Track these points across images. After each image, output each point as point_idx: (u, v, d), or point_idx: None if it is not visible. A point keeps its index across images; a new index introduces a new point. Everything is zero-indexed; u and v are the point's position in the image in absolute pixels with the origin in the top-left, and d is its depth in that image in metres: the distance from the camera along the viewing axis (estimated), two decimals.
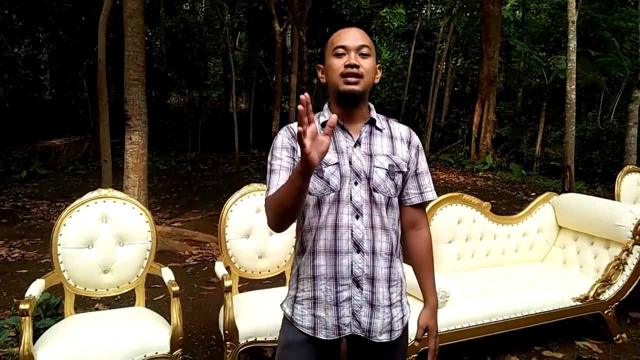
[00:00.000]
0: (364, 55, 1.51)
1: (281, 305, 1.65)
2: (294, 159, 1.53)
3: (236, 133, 10.48)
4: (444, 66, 14.26)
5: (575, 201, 3.72)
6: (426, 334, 1.65)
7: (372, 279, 1.51)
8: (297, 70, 9.50)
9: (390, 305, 1.55)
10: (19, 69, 12.30)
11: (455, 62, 15.31)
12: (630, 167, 4.34)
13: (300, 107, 1.20)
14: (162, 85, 14.45)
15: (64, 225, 2.54)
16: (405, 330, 1.62)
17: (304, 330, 1.54)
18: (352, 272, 1.49)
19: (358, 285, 1.50)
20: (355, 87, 1.49)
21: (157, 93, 15.04)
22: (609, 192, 8.10)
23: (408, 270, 1.68)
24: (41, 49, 13.60)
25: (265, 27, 13.07)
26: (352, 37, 1.52)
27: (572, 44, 6.26)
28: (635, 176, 4.23)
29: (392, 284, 1.56)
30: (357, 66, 1.48)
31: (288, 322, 1.60)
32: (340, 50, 1.51)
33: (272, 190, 1.47)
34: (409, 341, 1.83)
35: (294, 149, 1.53)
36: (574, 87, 6.22)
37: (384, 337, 1.53)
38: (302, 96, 1.22)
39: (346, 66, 1.49)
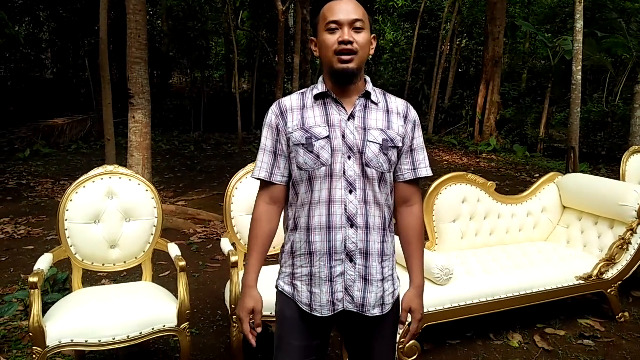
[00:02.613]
0: (357, 30, 1.46)
1: (277, 283, 1.64)
2: (278, 140, 1.55)
3: (239, 113, 10.44)
4: (449, 47, 14.10)
5: (580, 181, 3.72)
6: (410, 316, 1.62)
7: (365, 254, 1.51)
8: (300, 50, 9.41)
9: (382, 280, 1.55)
10: (20, 48, 12.22)
11: (459, 43, 15.14)
12: (636, 147, 4.33)
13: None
14: (164, 64, 14.37)
15: (71, 200, 2.55)
16: (396, 304, 1.62)
17: (302, 307, 1.55)
18: (345, 247, 1.49)
19: (351, 260, 1.50)
20: (350, 65, 1.46)
21: (159, 73, 14.96)
22: (613, 174, 8.08)
23: (398, 243, 1.68)
24: (42, 27, 13.49)
25: (268, 6, 12.91)
26: (344, 9, 1.46)
27: (579, 25, 6.18)
28: None
29: (384, 258, 1.55)
30: (351, 42, 1.44)
31: (287, 298, 1.59)
32: (333, 26, 1.46)
33: (257, 172, 1.58)
34: None
35: (278, 129, 1.55)
36: (580, 68, 6.15)
37: (376, 311, 1.54)
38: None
39: (340, 43, 1.45)
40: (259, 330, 1.56)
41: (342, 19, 1.45)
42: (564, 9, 12.79)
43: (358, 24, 1.46)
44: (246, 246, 2.87)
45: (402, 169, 1.59)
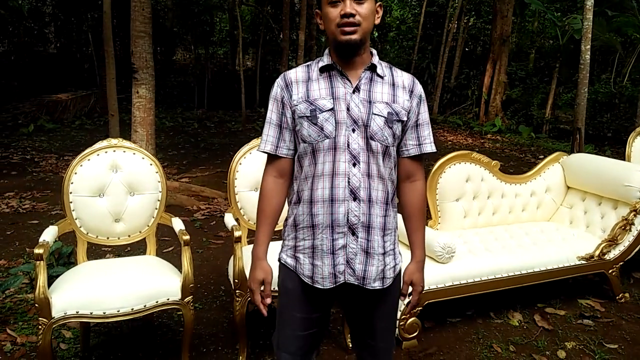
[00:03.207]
0: (360, 1, 1.44)
1: (279, 255, 1.66)
2: (283, 113, 1.56)
3: (242, 91, 10.38)
4: (456, 25, 13.90)
5: (584, 161, 3.70)
6: (411, 288, 1.65)
7: (367, 227, 1.51)
8: (305, 26, 9.30)
9: (384, 254, 1.56)
10: (23, 21, 12.11)
11: (467, 21, 14.92)
12: None
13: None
14: (168, 40, 14.24)
15: (75, 173, 2.55)
16: (397, 278, 1.63)
17: (304, 279, 1.56)
18: (348, 220, 1.49)
19: (353, 233, 1.50)
20: (353, 37, 1.44)
21: (162, 49, 14.84)
22: (618, 157, 8.01)
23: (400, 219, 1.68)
24: (45, 1, 13.36)
25: None
26: None
27: (589, 3, 6.08)
28: None
29: (386, 232, 1.56)
30: (353, 15, 1.43)
31: (289, 270, 1.61)
32: None
33: (262, 146, 1.60)
34: None
35: (283, 101, 1.55)
36: (589, 47, 6.08)
37: (377, 284, 1.55)
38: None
39: (342, 16, 1.43)
40: (269, 300, 1.60)
41: None
42: None
43: None
44: (249, 221, 2.89)
45: (407, 144, 1.59)
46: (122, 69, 9.13)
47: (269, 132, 1.58)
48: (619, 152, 8.90)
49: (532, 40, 13.85)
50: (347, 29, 1.44)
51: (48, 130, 9.10)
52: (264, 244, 1.62)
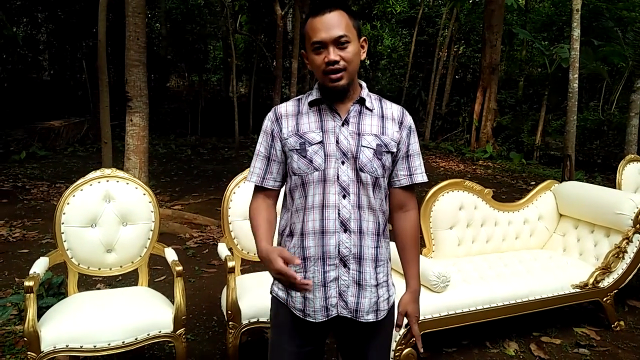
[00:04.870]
0: (343, 45, 1.45)
1: (271, 288, 1.65)
2: (272, 146, 1.58)
3: (236, 117, 10.43)
4: (446, 53, 14.15)
5: (576, 189, 3.73)
6: (406, 319, 1.63)
7: (359, 259, 1.51)
8: (298, 54, 9.42)
9: (377, 285, 1.55)
10: (17, 49, 12.18)
11: (457, 49, 15.21)
12: (632, 156, 4.34)
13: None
14: (162, 68, 14.35)
15: (67, 204, 2.54)
16: (391, 311, 1.62)
17: (296, 312, 1.55)
18: (339, 251, 1.50)
19: (345, 265, 1.50)
20: (340, 83, 1.47)
21: (156, 76, 14.93)
22: (609, 183, 8.11)
23: (397, 253, 1.68)
24: (40, 28, 13.46)
25: (267, 10, 12.93)
26: (326, 26, 1.44)
27: (576, 33, 6.21)
28: (636, 165, 4.23)
29: (378, 264, 1.56)
30: (337, 61, 1.44)
31: (281, 303, 1.60)
32: (318, 46, 1.46)
33: (249, 177, 1.62)
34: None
35: (273, 134, 1.58)
36: (576, 76, 6.18)
37: (370, 317, 1.54)
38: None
39: (327, 63, 1.45)
40: (298, 261, 1.39)
41: (325, 38, 1.44)
42: (561, 17, 12.86)
43: (343, 39, 1.45)
44: (243, 251, 2.88)
45: (398, 174, 1.60)
46: (116, 95, 9.15)
47: (257, 164, 1.61)
48: (609, 178, 8.99)
49: (520, 69, 14.10)
50: (333, 76, 1.46)
51: (40, 157, 9.06)
52: (265, 240, 1.52)
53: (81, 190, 2.58)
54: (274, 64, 11.56)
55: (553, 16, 13.53)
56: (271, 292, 1.65)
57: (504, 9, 12.13)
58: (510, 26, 13.33)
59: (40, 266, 2.33)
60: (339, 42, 1.44)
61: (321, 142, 1.50)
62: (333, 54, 1.44)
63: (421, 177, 1.62)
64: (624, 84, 10.21)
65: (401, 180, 1.60)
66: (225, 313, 2.52)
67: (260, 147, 1.61)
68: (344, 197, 1.49)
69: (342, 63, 1.45)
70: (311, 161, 1.50)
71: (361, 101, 1.55)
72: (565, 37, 11.24)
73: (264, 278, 2.80)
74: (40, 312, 2.34)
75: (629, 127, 7.49)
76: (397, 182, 1.61)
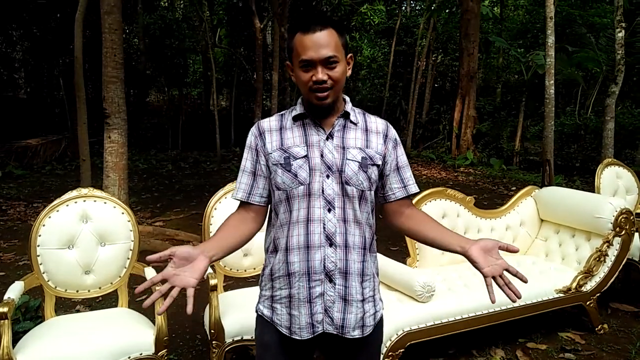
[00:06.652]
0: (331, 65, 1.44)
1: (257, 307, 1.62)
2: (257, 161, 1.56)
3: (217, 131, 10.39)
4: (424, 63, 14.32)
5: (556, 194, 3.77)
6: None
7: (345, 273, 1.49)
8: (278, 67, 9.44)
9: (362, 300, 1.53)
10: None
11: (435, 58, 15.40)
12: (610, 159, 4.41)
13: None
14: (141, 83, 14.23)
15: (43, 225, 2.48)
16: (378, 326, 1.59)
17: (282, 330, 1.52)
18: (324, 266, 1.47)
19: (331, 280, 1.48)
20: (326, 101, 1.46)
21: (135, 91, 14.80)
22: (587, 186, 8.24)
23: (382, 264, 1.65)
24: (15, 46, 13.27)
25: (245, 23, 12.96)
26: (316, 45, 1.41)
27: (550, 40, 6.33)
28: (614, 169, 4.30)
29: (365, 278, 1.54)
30: (325, 81, 1.44)
31: (266, 322, 1.57)
32: (306, 64, 1.44)
33: (235, 193, 1.58)
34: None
35: (257, 149, 1.56)
36: (552, 82, 6.29)
37: (356, 333, 1.52)
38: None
39: (314, 82, 1.44)
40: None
41: (313, 57, 1.42)
42: (535, 25, 13.13)
43: (331, 59, 1.43)
44: (225, 267, 2.84)
45: (392, 188, 1.59)
46: (94, 112, 9.05)
47: (242, 179, 1.59)
48: (587, 181, 9.14)
49: (498, 76, 14.34)
50: (320, 94, 1.45)
51: (17, 176, 8.88)
52: (210, 241, 1.47)
53: (57, 211, 2.52)
54: (254, 76, 11.56)
55: (528, 24, 13.82)
56: (256, 311, 1.62)
57: (479, 18, 12.35)
58: (487, 34, 13.57)
59: (15, 291, 2.26)
60: (328, 62, 1.43)
61: (306, 157, 1.49)
62: (321, 73, 1.43)
63: (414, 187, 1.62)
64: (598, 89, 10.44)
65: (396, 193, 1.59)
66: (208, 332, 2.47)
67: (246, 162, 1.58)
68: (329, 210, 1.48)
69: (329, 82, 1.44)
70: (296, 175, 1.48)
71: (345, 115, 1.54)
72: (540, 44, 11.46)
73: (248, 294, 2.76)
74: (17, 337, 2.27)
75: (605, 130, 7.63)
76: (392, 196, 1.59)
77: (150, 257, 1.29)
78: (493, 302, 1.41)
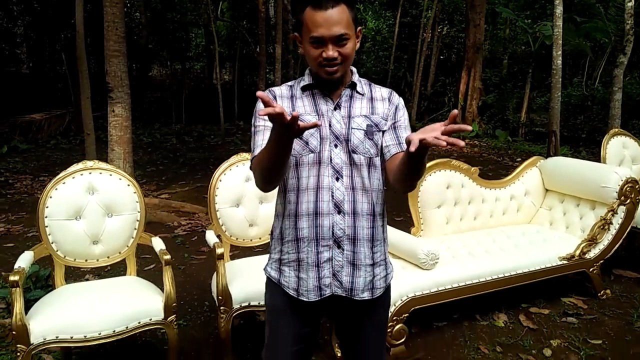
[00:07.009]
0: (342, 42, 1.43)
1: (265, 269, 1.65)
2: None
3: (220, 104, 10.34)
4: (430, 34, 14.09)
5: (561, 164, 3.76)
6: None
7: (353, 240, 1.52)
8: (281, 39, 9.33)
9: (373, 265, 1.55)
10: None
11: (440, 30, 15.15)
12: (616, 130, 4.37)
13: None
14: (143, 57, 14.13)
15: (50, 197, 2.50)
16: (387, 289, 1.63)
17: (289, 292, 1.55)
18: (333, 233, 1.50)
19: (339, 246, 1.51)
20: (335, 76, 1.47)
21: (138, 65, 14.71)
22: (593, 157, 8.19)
23: (391, 231, 1.66)
24: (16, 21, 13.16)
25: None
26: (328, 22, 1.40)
27: (558, 10, 6.22)
28: (620, 139, 4.27)
29: (375, 243, 1.56)
30: (335, 58, 1.43)
31: (274, 284, 1.60)
32: (316, 40, 1.42)
33: (257, 151, 1.46)
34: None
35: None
36: (560, 53, 6.20)
37: (365, 295, 1.55)
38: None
39: (324, 59, 1.43)
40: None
41: (325, 34, 1.41)
42: None
43: (342, 37, 1.42)
44: (231, 237, 2.87)
45: (387, 145, 1.54)
46: (97, 86, 9.02)
47: (257, 137, 1.50)
48: (593, 152, 9.09)
49: (504, 47, 14.11)
50: (329, 69, 1.45)
51: (22, 151, 8.92)
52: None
53: (63, 183, 2.54)
54: (257, 49, 11.45)
55: None
56: (265, 273, 1.65)
57: None
58: (493, 5, 13.29)
59: (25, 260, 2.30)
60: (339, 40, 1.42)
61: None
62: (332, 50, 1.42)
63: None
64: (606, 60, 10.27)
65: (391, 150, 1.53)
66: (216, 299, 2.51)
67: (258, 121, 1.51)
68: (337, 179, 1.50)
69: (339, 59, 1.44)
70: (307, 143, 1.49)
71: (352, 86, 1.56)
72: (548, 15, 11.24)
73: (254, 263, 2.80)
74: (29, 305, 2.31)
75: (612, 101, 7.54)
76: (387, 154, 1.54)
77: (260, 94, 1.21)
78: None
